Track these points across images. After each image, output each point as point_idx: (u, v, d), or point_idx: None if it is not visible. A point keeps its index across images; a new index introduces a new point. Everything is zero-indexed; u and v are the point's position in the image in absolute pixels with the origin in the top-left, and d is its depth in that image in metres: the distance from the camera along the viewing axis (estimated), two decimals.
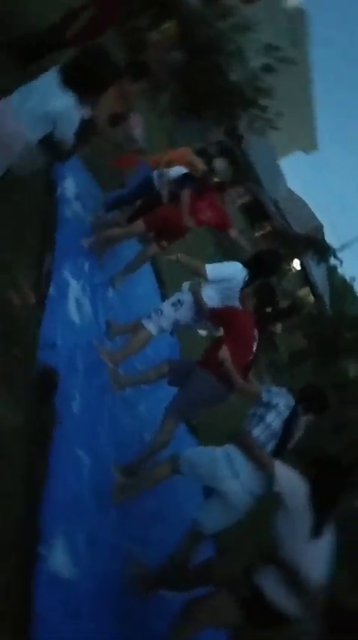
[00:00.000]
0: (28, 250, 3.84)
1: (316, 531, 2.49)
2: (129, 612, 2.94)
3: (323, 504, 2.53)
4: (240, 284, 3.94)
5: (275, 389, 3.31)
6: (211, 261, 4.32)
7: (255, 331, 3.65)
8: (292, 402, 3.20)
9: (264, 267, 4.11)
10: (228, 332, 3.64)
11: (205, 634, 2.69)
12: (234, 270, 4.01)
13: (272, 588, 2.47)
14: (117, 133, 5.08)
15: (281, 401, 3.17)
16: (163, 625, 2.76)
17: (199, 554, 3.15)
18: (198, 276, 3.90)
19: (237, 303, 3.94)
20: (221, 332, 3.73)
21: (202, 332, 6.57)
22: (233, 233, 5.30)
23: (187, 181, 4.73)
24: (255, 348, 3.68)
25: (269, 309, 3.77)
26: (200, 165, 5.20)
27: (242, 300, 3.87)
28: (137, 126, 5.28)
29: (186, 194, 4.58)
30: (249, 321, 3.67)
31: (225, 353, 3.34)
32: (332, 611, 2.25)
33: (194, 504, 4.21)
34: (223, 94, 13.06)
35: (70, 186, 5.10)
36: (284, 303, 3.98)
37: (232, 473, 2.88)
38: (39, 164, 4.17)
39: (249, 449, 2.86)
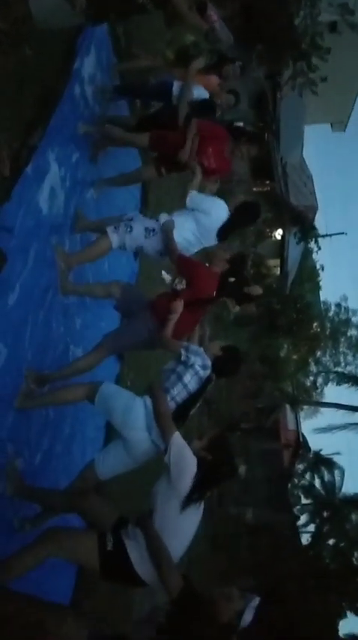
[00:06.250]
0: (20, 116, 3.46)
1: (184, 505, 2.52)
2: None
3: (202, 485, 2.56)
4: (218, 223, 3.84)
5: (193, 347, 3.26)
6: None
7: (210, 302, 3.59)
8: (207, 362, 3.19)
9: (245, 215, 4.03)
10: (188, 289, 3.52)
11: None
12: (215, 205, 3.89)
13: (136, 550, 2.48)
14: (200, 20, 4.65)
15: (197, 360, 3.15)
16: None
17: None
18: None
19: (212, 242, 3.88)
20: (184, 285, 3.61)
21: (166, 276, 6.41)
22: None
23: (204, 110, 4.25)
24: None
25: (232, 280, 3.66)
26: (223, 96, 4.60)
27: (212, 259, 3.78)
28: (217, 19, 4.85)
29: (194, 125, 4.05)
30: (211, 286, 3.55)
31: (178, 306, 3.21)
32: (185, 592, 2.28)
33: (89, 435, 4.24)
34: (280, 34, 12.09)
35: (89, 64, 4.59)
36: (256, 290, 3.93)
37: (146, 425, 2.84)
38: (66, 20, 3.68)
39: (157, 409, 2.78)
